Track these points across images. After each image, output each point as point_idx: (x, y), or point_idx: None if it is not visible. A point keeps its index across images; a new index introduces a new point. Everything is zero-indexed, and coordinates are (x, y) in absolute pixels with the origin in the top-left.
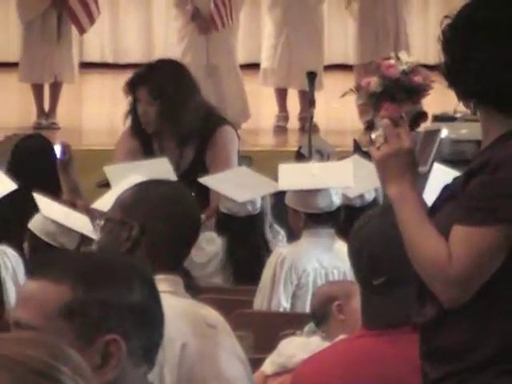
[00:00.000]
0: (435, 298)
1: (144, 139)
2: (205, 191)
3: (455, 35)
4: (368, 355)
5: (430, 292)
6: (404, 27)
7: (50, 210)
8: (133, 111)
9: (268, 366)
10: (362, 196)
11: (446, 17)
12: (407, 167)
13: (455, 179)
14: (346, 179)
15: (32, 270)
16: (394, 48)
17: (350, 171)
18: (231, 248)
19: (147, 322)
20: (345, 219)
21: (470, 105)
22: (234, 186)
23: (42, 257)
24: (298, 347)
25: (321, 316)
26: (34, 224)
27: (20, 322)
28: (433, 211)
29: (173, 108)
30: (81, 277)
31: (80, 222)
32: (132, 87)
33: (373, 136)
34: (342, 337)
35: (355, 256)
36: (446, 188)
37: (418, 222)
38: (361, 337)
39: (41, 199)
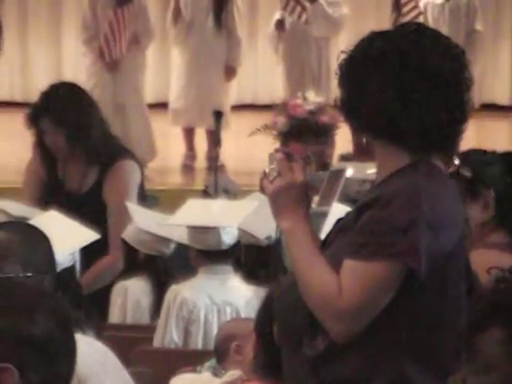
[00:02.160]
0: (326, 331)
1: (48, 166)
2: (102, 217)
3: (351, 69)
4: None
5: (321, 325)
6: (326, 67)
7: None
8: (39, 142)
9: None
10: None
11: (343, 52)
12: (299, 201)
13: (348, 213)
14: (233, 220)
15: None
16: (317, 87)
17: (244, 212)
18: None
19: (49, 355)
20: (251, 259)
21: (366, 139)
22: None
23: None
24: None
25: (221, 353)
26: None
27: None
28: (325, 245)
29: (79, 131)
30: None
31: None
32: (33, 120)
33: (266, 170)
34: (232, 372)
35: (289, 312)
36: (338, 222)
37: (308, 255)
38: None
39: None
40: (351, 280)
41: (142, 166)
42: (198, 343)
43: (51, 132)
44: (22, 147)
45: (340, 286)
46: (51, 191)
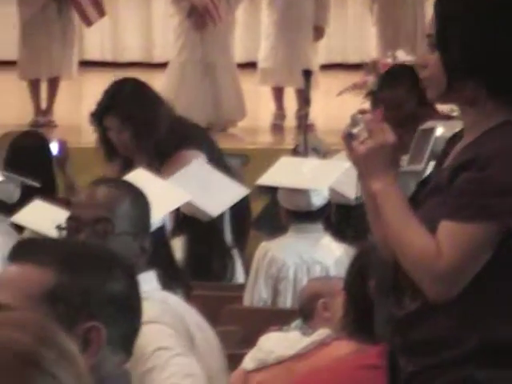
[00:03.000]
0: (416, 290)
1: (111, 155)
2: None
3: (467, 18)
4: None
5: (409, 285)
6: (422, 27)
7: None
8: (103, 139)
9: (248, 361)
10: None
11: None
12: (391, 162)
13: (436, 173)
14: (323, 182)
15: (14, 254)
16: (412, 48)
17: (336, 174)
18: (191, 247)
19: (127, 312)
20: (340, 218)
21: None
22: (201, 190)
23: (23, 241)
24: (277, 342)
25: (307, 312)
26: None
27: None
28: (413, 205)
29: (144, 128)
30: (65, 262)
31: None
32: (99, 117)
33: (354, 131)
34: (321, 331)
35: (377, 272)
36: (426, 181)
37: (403, 216)
38: (368, 367)
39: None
40: (450, 241)
41: (212, 146)
42: (286, 302)
43: (116, 130)
44: None
45: (437, 247)
46: None
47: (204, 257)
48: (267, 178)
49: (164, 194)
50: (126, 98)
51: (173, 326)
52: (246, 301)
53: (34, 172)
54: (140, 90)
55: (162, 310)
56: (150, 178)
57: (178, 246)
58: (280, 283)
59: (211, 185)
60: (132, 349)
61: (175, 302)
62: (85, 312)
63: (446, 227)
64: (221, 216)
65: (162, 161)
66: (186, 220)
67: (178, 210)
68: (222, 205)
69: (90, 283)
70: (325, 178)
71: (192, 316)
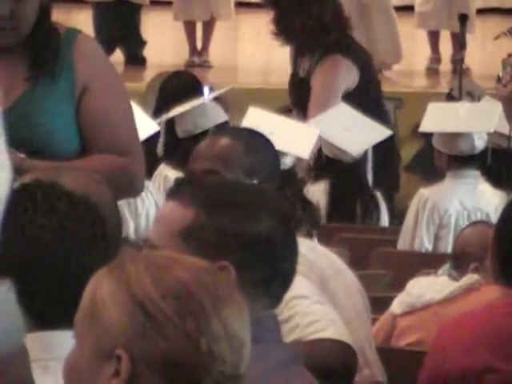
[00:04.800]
0: None
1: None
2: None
3: None
4: None
5: None
6: None
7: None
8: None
9: (397, 305)
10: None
11: None
12: None
13: None
14: (488, 124)
15: (168, 193)
16: None
17: (496, 115)
18: (334, 191)
19: (272, 255)
20: (497, 163)
21: None
22: (343, 131)
23: (179, 180)
24: (425, 287)
25: (458, 263)
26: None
27: (148, 240)
28: None
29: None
30: (206, 202)
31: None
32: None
33: (500, 74)
34: (470, 276)
35: None
36: None
37: None
38: None
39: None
40: None
41: (371, 71)
42: (447, 248)
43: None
44: (268, 50)
45: None
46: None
47: (347, 200)
48: (428, 125)
49: (294, 133)
50: None
51: (303, 273)
52: (401, 245)
53: None
54: None
55: None
56: (272, 119)
57: (322, 190)
58: (441, 230)
59: (353, 126)
60: (280, 295)
61: (306, 247)
62: (218, 251)
63: None
64: (364, 159)
65: (318, 59)
66: (328, 163)
67: (320, 152)
68: (363, 144)
69: (226, 224)
70: (487, 119)
71: (326, 259)
